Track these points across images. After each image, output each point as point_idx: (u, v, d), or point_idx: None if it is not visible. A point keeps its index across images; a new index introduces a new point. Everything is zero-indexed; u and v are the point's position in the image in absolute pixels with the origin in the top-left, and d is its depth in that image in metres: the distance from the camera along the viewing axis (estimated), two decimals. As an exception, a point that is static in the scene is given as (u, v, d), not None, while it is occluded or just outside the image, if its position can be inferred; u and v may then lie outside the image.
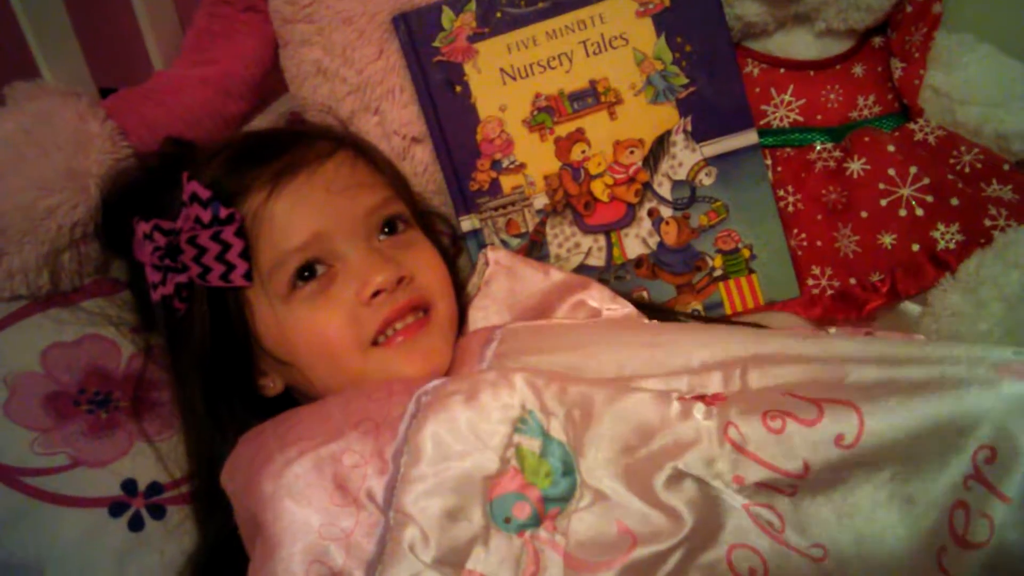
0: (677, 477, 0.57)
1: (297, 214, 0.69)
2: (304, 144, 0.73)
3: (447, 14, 0.82)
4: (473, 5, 0.81)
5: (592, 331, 0.73)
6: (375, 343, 0.69)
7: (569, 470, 0.58)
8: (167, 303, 0.70)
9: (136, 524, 0.71)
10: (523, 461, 0.58)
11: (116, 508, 0.72)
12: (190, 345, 0.71)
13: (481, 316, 0.77)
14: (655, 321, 0.76)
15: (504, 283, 0.78)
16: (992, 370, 0.55)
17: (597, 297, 0.76)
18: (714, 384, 0.62)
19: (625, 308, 0.76)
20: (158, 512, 0.72)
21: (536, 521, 0.57)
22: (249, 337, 0.71)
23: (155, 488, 0.73)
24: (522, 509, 0.56)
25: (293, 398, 0.74)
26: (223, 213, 0.68)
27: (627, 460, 0.58)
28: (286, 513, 0.56)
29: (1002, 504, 0.52)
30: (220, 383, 0.71)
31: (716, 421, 0.58)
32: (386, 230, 0.74)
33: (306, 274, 0.69)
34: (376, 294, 0.69)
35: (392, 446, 0.58)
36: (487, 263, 0.80)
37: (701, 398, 0.60)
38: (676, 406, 0.59)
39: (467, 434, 0.58)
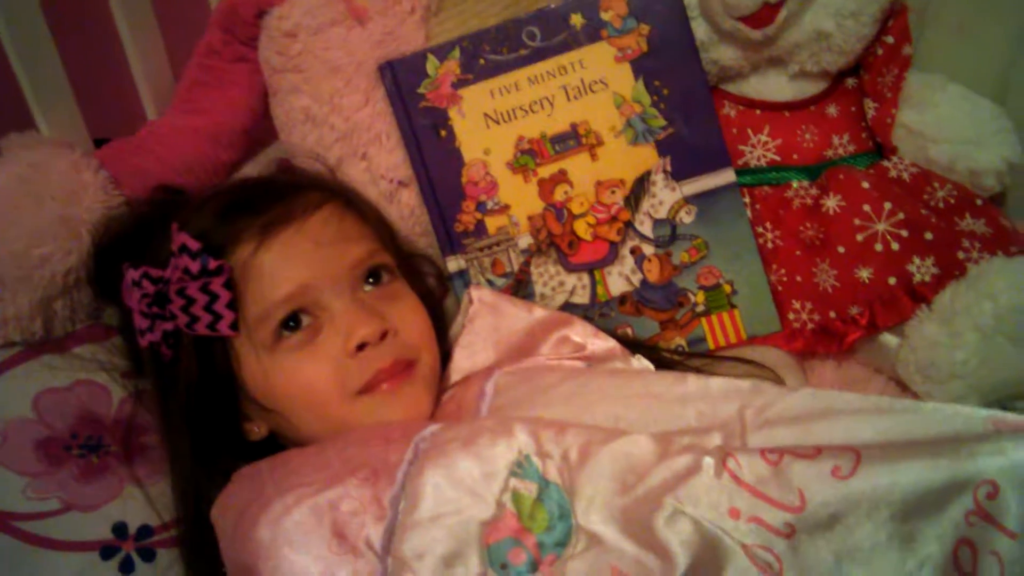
0: (676, 516, 0.54)
1: (284, 266, 0.68)
2: (293, 195, 0.72)
3: (432, 61, 0.81)
4: (457, 52, 0.81)
5: (584, 383, 0.70)
6: (360, 392, 0.68)
7: (565, 514, 0.56)
8: (154, 349, 0.70)
9: (127, 567, 0.70)
10: (519, 505, 0.56)
11: (107, 551, 0.70)
12: (177, 390, 0.69)
13: (466, 354, 0.76)
14: (643, 364, 0.75)
15: (488, 320, 0.77)
16: (988, 423, 0.55)
17: (580, 332, 0.75)
18: (714, 444, 0.60)
19: (608, 343, 0.75)
20: (148, 555, 0.71)
21: (532, 567, 0.54)
22: (235, 384, 0.70)
23: (145, 531, 0.71)
24: (518, 555, 0.55)
25: (278, 442, 0.73)
26: (212, 265, 0.66)
27: (623, 501, 0.56)
28: (285, 562, 0.55)
29: (1008, 540, 0.50)
30: (206, 427, 0.70)
31: (716, 454, 0.56)
32: (371, 280, 0.72)
33: (291, 324, 0.68)
34: (362, 347, 0.68)
35: (390, 492, 0.57)
36: (471, 301, 0.79)
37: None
38: (677, 446, 0.58)
39: (465, 479, 0.56)
